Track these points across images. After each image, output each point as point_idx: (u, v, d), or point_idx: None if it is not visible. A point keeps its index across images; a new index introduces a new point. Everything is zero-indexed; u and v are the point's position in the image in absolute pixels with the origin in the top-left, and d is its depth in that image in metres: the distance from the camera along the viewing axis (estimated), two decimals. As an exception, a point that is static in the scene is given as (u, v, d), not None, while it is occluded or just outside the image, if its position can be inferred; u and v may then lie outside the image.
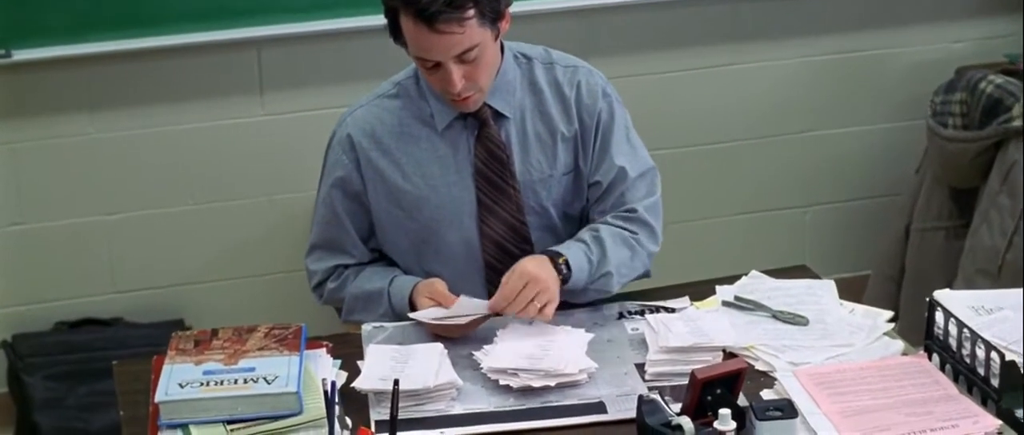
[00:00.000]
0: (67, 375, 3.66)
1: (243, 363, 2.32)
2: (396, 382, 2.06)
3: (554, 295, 2.48)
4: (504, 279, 2.49)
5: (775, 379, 2.39)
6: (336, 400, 2.28)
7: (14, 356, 3.68)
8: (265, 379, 2.27)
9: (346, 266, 2.75)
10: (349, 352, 2.53)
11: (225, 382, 2.27)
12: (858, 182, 4.20)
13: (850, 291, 3.96)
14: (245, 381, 2.27)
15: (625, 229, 2.66)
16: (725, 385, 2.26)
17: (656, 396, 2.27)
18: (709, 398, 2.24)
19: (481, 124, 2.65)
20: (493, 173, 2.66)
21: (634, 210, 2.68)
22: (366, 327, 2.64)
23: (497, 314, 2.50)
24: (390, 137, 2.67)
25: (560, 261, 2.54)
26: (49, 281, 3.76)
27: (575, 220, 2.76)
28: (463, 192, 2.66)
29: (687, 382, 2.26)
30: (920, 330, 2.98)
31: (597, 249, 2.60)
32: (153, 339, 3.72)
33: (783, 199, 4.18)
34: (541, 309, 2.46)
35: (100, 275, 3.78)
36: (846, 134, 4.16)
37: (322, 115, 3.44)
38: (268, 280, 3.87)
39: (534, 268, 2.48)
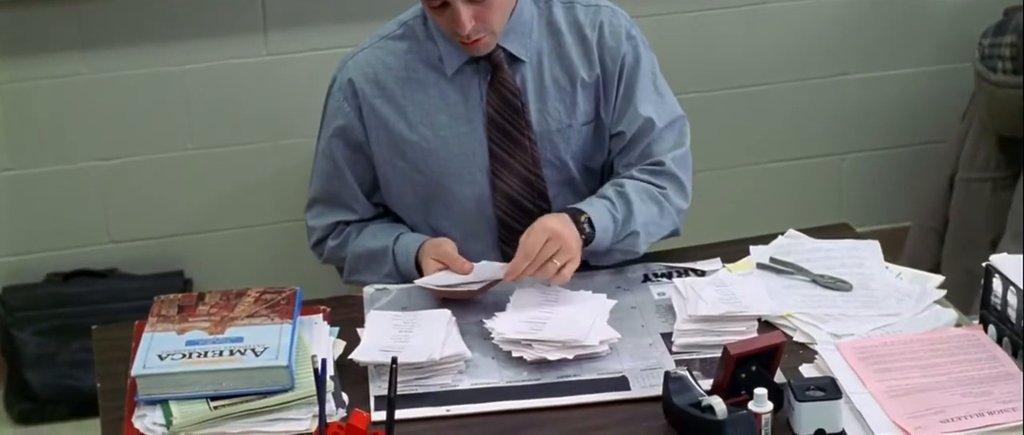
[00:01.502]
0: (59, 330, 3.49)
1: (230, 332, 2.13)
2: (394, 361, 1.84)
3: (576, 255, 2.26)
4: (524, 236, 2.27)
5: (816, 352, 2.17)
6: (331, 374, 2.08)
7: (4, 310, 3.51)
8: (253, 350, 2.07)
9: (348, 222, 2.54)
10: (350, 317, 2.33)
11: (209, 354, 2.07)
12: (899, 128, 3.96)
13: (889, 243, 3.76)
14: (231, 353, 2.07)
15: (652, 184, 2.44)
16: (761, 361, 2.04)
17: (684, 372, 2.05)
18: (743, 376, 2.03)
19: (494, 69, 2.43)
20: (507, 122, 2.43)
21: (661, 163, 2.45)
22: (368, 290, 2.43)
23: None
24: (395, 82, 2.45)
25: (582, 220, 2.32)
26: (40, 231, 3.57)
27: (596, 174, 2.54)
28: (474, 143, 2.44)
29: (719, 357, 2.05)
30: (964, 288, 2.79)
31: (622, 206, 2.38)
32: (150, 292, 3.43)
33: (818, 146, 3.94)
34: (560, 269, 2.24)
35: (94, 224, 3.59)
36: (886, 78, 3.91)
37: (330, 55, 3.22)
38: (272, 229, 3.67)
39: (555, 224, 2.26)
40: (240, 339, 2.10)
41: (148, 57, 3.50)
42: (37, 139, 3.51)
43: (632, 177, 2.44)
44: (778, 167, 3.94)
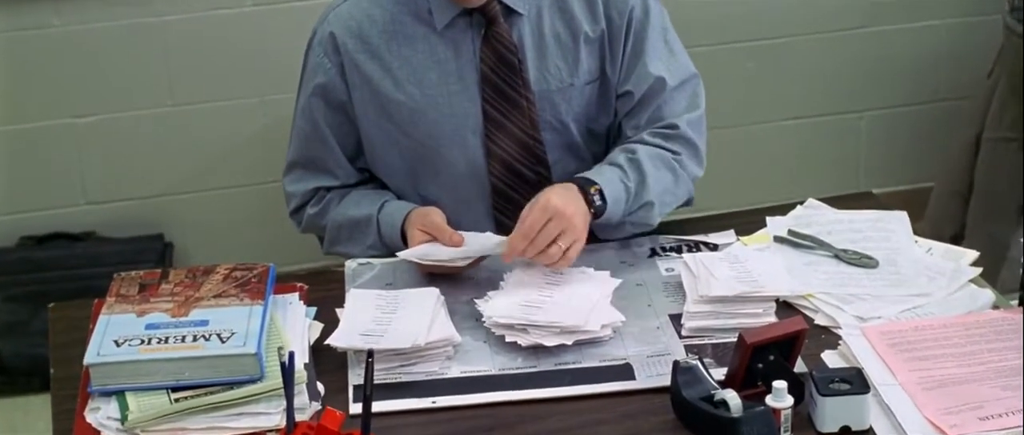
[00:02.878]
0: (32, 296, 3.32)
1: (194, 314, 1.94)
2: (370, 355, 1.65)
3: (581, 235, 2.06)
4: (524, 213, 2.06)
5: (839, 337, 1.97)
6: (305, 361, 1.89)
7: (-27, 275, 3.31)
8: (219, 336, 1.88)
9: (329, 188, 2.35)
10: (330, 294, 2.14)
11: (170, 339, 1.87)
12: (921, 84, 3.75)
13: (910, 206, 3.56)
14: (194, 339, 1.87)
15: (665, 149, 2.23)
16: (780, 349, 1.85)
17: (695, 360, 1.86)
18: (760, 366, 1.84)
19: (488, 22, 2.22)
20: (502, 80, 2.23)
21: (675, 126, 2.25)
22: (350, 264, 2.23)
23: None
24: (380, 37, 2.24)
25: (592, 191, 2.11)
26: (13, 191, 3.39)
27: (600, 137, 2.33)
28: (466, 103, 2.24)
29: (733, 342, 1.87)
30: (988, 255, 2.59)
31: (635, 174, 2.17)
32: (129, 256, 3.38)
33: (836, 103, 3.74)
34: (565, 252, 2.04)
35: (69, 185, 3.41)
36: (909, 30, 3.70)
37: (319, 5, 2.96)
38: (259, 190, 3.48)
39: (560, 200, 2.05)
40: (205, 323, 1.91)
41: (125, 7, 3.30)
42: (8, 95, 3.32)
43: (643, 142, 2.24)
44: (793, 125, 3.74)
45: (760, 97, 3.68)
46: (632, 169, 2.18)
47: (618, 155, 2.21)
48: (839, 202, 2.34)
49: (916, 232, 2.25)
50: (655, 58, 2.25)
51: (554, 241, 2.03)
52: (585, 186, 2.12)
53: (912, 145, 3.79)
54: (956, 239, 3.50)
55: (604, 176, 2.15)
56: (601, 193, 2.12)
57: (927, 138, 3.76)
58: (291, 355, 1.70)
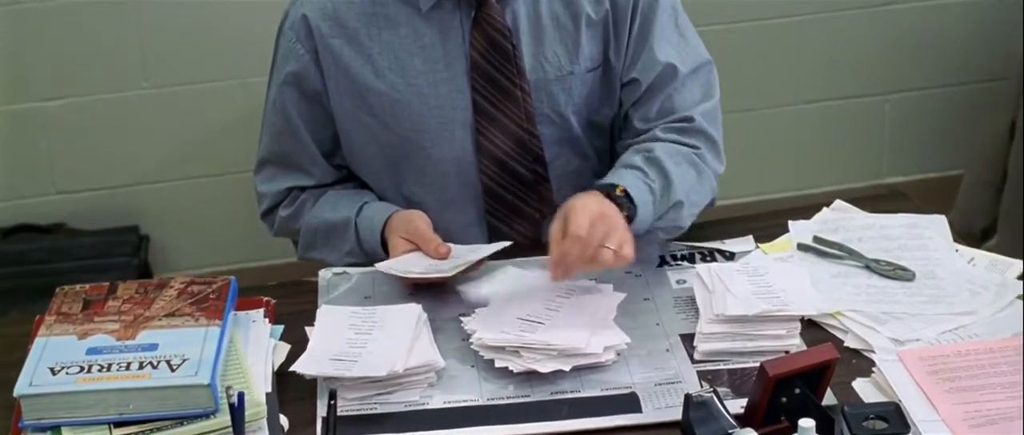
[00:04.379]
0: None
1: (143, 337, 1.71)
2: (332, 397, 1.42)
3: (628, 233, 1.82)
4: (561, 224, 1.79)
5: (872, 362, 1.74)
6: (267, 390, 1.67)
7: (-64, 270, 3.11)
8: (169, 363, 1.65)
9: (303, 188, 2.12)
10: (302, 308, 1.92)
11: (114, 367, 1.65)
12: (950, 65, 3.52)
13: (937, 195, 3.35)
14: (141, 366, 1.65)
15: (683, 143, 2.00)
16: (807, 380, 1.62)
17: (710, 393, 1.63)
18: (784, 400, 1.61)
19: (479, 3, 2.00)
20: (494, 68, 2.00)
21: (690, 119, 2.02)
22: (324, 274, 2.00)
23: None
24: (358, 19, 2.01)
25: (617, 192, 1.88)
26: (-24, 181, 3.19)
27: (603, 131, 2.10)
28: (454, 93, 2.01)
29: (752, 371, 1.66)
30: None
31: (657, 173, 1.94)
32: (102, 249, 3.18)
33: (857, 85, 3.51)
34: (617, 252, 1.79)
35: (38, 173, 3.22)
36: (936, 6, 3.47)
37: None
38: (239, 179, 3.25)
39: (595, 204, 1.82)
40: (154, 347, 1.68)
41: (96, -18, 3.09)
42: (-31, 77, 3.11)
43: (657, 138, 2.01)
44: (810, 110, 3.51)
45: (774, 79, 3.46)
46: (652, 168, 1.95)
47: (633, 156, 1.98)
48: (869, 204, 2.11)
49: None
50: (664, 43, 2.02)
51: (601, 244, 1.78)
52: (609, 190, 1.89)
53: (941, 131, 3.57)
54: (987, 233, 3.28)
55: (623, 178, 1.92)
56: (627, 194, 1.89)
57: (957, 123, 3.55)
58: (240, 396, 1.48)
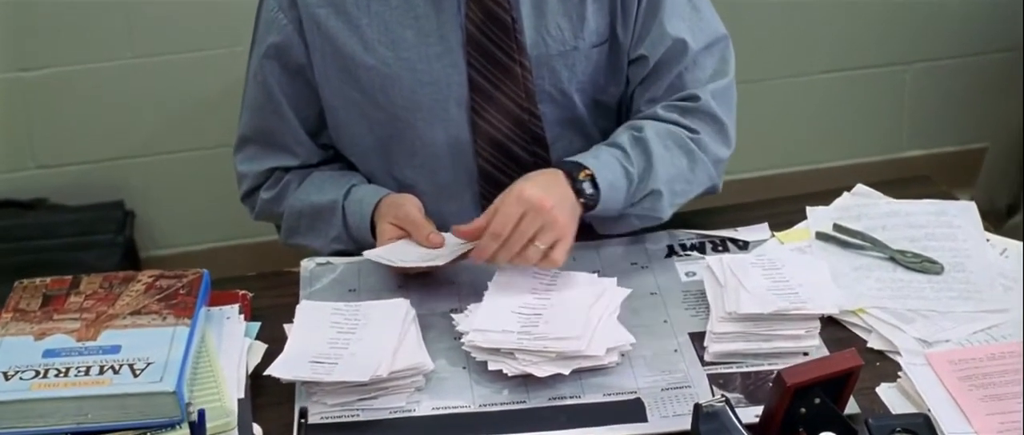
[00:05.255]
0: (-25, 272, 2.95)
1: (105, 337, 1.58)
2: (303, 416, 1.29)
3: (565, 231, 1.69)
4: (493, 206, 1.70)
5: (898, 365, 1.60)
6: (239, 397, 1.54)
7: (-89, 249, 2.98)
8: (132, 367, 1.52)
9: (286, 169, 1.98)
10: (282, 302, 1.79)
11: (72, 371, 1.52)
12: (973, 33, 3.36)
13: (960, 170, 3.21)
14: (101, 371, 1.52)
15: (681, 125, 1.86)
16: (828, 389, 1.48)
17: (721, 403, 1.49)
18: (802, 410, 1.48)
19: (475, -28, 1.84)
20: (492, 42, 1.85)
21: (695, 97, 1.87)
22: (307, 265, 1.87)
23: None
24: (346, -12, 1.86)
25: (581, 177, 1.74)
26: (-47, 154, 3.06)
27: (610, 111, 1.96)
28: (449, 69, 1.86)
29: (767, 374, 1.54)
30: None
31: (640, 157, 1.80)
32: (86, 226, 3.05)
33: (876, 54, 3.35)
34: (547, 252, 1.67)
35: (17, 146, 3.08)
36: (959, -27, 3.32)
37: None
38: (229, 153, 3.03)
39: (537, 190, 1.69)
40: (116, 349, 1.55)
41: (77, -56, 2.95)
42: (-56, 45, 2.98)
43: (656, 117, 1.86)
44: (828, 80, 3.36)
45: (790, 48, 3.30)
46: (637, 151, 1.80)
47: (622, 134, 1.84)
48: (892, 188, 1.96)
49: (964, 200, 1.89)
50: (675, 16, 1.87)
51: (531, 240, 1.67)
52: (573, 171, 1.75)
53: (963, 102, 3.42)
54: (1012, 210, 3.14)
55: (600, 159, 1.78)
56: (592, 180, 1.75)
57: (980, 94, 3.39)
58: (201, 414, 1.34)
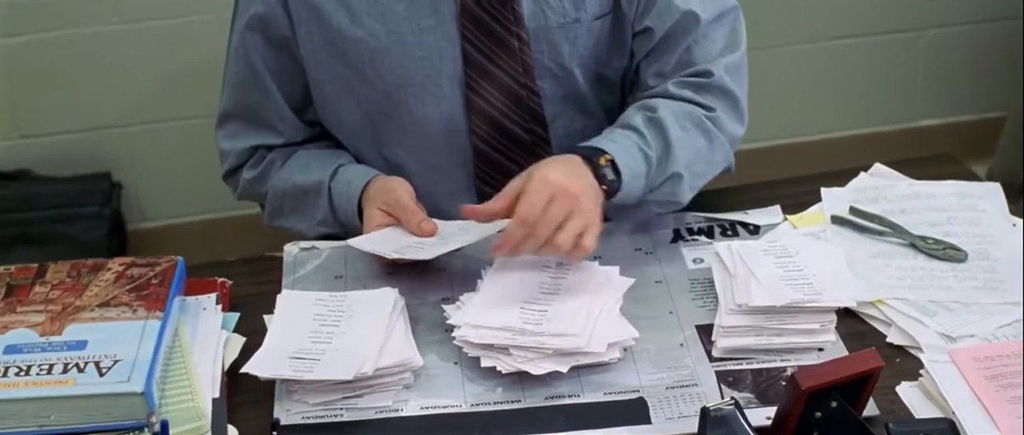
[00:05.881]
0: (-43, 246, 2.86)
1: (71, 332, 1.48)
2: (275, 428, 1.19)
3: (594, 217, 1.57)
4: (512, 188, 1.57)
5: (920, 361, 1.50)
6: (214, 396, 1.44)
7: None
8: (98, 365, 1.42)
9: (270, 147, 1.88)
10: (265, 290, 1.69)
11: (33, 370, 1.42)
12: (991, -2, 3.24)
13: (977, 140, 3.10)
14: (65, 369, 1.42)
15: (695, 103, 1.74)
16: (846, 392, 1.38)
17: (731, 405, 1.38)
18: (818, 414, 1.37)
19: (469, -62, 1.73)
20: (488, 14, 1.74)
21: (708, 73, 1.75)
22: (290, 250, 1.76)
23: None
24: (332, -45, 1.75)
25: (602, 163, 1.62)
26: (-66, 124, 2.96)
27: (613, 86, 1.84)
28: (442, 42, 1.75)
29: (780, 371, 1.46)
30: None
31: (657, 139, 1.69)
32: (71, 198, 2.95)
33: (890, 20, 3.22)
34: (577, 240, 1.55)
35: (0, 116, 2.96)
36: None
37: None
38: (219, 122, 2.98)
39: (561, 175, 1.57)
40: (82, 345, 1.45)
41: (60, -93, 2.83)
42: (-77, 11, 2.86)
43: (668, 95, 1.75)
44: (839, 46, 3.23)
45: (800, 14, 3.18)
46: (653, 132, 1.69)
47: (634, 115, 1.72)
48: (911, 168, 1.85)
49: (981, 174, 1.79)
50: (683, -15, 1.76)
51: (560, 226, 1.55)
52: (592, 156, 1.63)
53: (980, 70, 3.29)
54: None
55: (617, 143, 1.66)
56: (613, 165, 1.63)
57: (998, 62, 3.27)
58: (164, 425, 1.24)
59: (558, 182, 1.55)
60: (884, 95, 3.27)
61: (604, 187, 1.61)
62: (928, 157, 1.92)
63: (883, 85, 3.27)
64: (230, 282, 1.66)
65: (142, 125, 3.02)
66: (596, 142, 1.65)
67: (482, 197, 1.82)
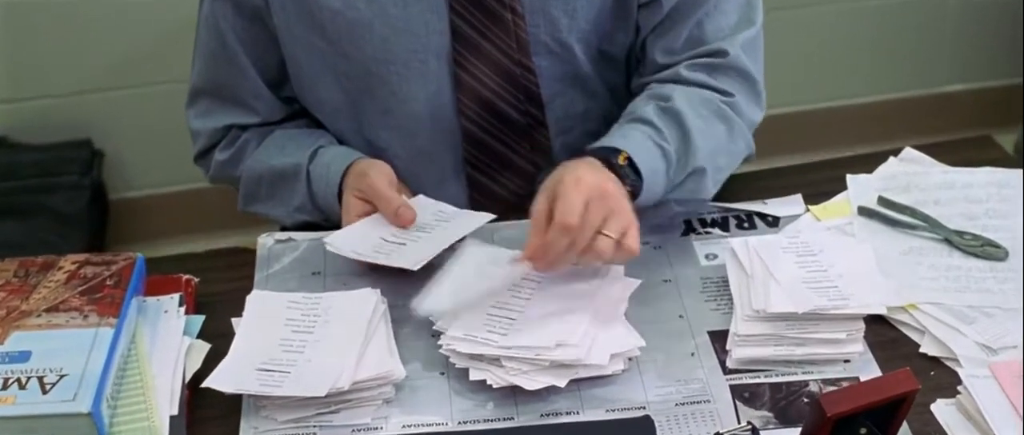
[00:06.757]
0: (-69, 217, 2.73)
1: (13, 341, 1.34)
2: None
3: (632, 216, 1.40)
4: (547, 203, 1.39)
5: (957, 376, 1.35)
6: (172, 413, 1.29)
7: None
8: (42, 380, 1.27)
9: (244, 127, 1.72)
10: (236, 287, 1.54)
11: (-31, 386, 1.27)
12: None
13: (1005, 106, 2.95)
14: (5, 385, 1.27)
15: (711, 87, 1.58)
16: (876, 416, 1.23)
17: (747, 430, 1.24)
18: (845, 442, 1.22)
19: (460, -101, 1.56)
20: (479, -16, 1.58)
21: (723, 52, 1.59)
22: (265, 242, 1.61)
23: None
24: (310, -81, 1.59)
25: (619, 161, 1.46)
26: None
27: (617, 64, 1.68)
28: (428, 14, 1.59)
29: (801, 386, 1.31)
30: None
31: (673, 131, 1.53)
32: (49, 166, 2.82)
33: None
34: (619, 243, 1.38)
35: (-27, 79, 2.83)
36: None
37: None
38: (206, 86, 2.82)
39: (592, 175, 1.40)
40: (26, 356, 1.30)
41: None
42: None
43: (680, 79, 1.58)
44: (863, 8, 3.05)
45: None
46: (669, 124, 1.52)
47: (645, 106, 1.56)
48: (944, 152, 1.69)
49: (1007, 145, 1.63)
50: (694, -48, 1.60)
51: (599, 231, 1.38)
52: (609, 156, 1.47)
53: (1011, 33, 3.10)
54: None
55: (630, 139, 1.50)
56: (630, 162, 1.47)
57: (1030, 24, 3.09)
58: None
59: (592, 182, 1.38)
60: (910, 59, 3.10)
61: (628, 188, 1.45)
62: (963, 140, 1.76)
63: (909, 48, 3.09)
64: (196, 279, 1.51)
65: (125, 89, 2.86)
66: (608, 141, 1.49)
67: (472, 183, 1.67)
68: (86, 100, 2.85)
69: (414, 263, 1.44)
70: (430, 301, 1.39)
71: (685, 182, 1.53)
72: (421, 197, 1.57)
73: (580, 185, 1.36)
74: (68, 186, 2.78)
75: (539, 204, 1.38)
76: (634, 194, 1.45)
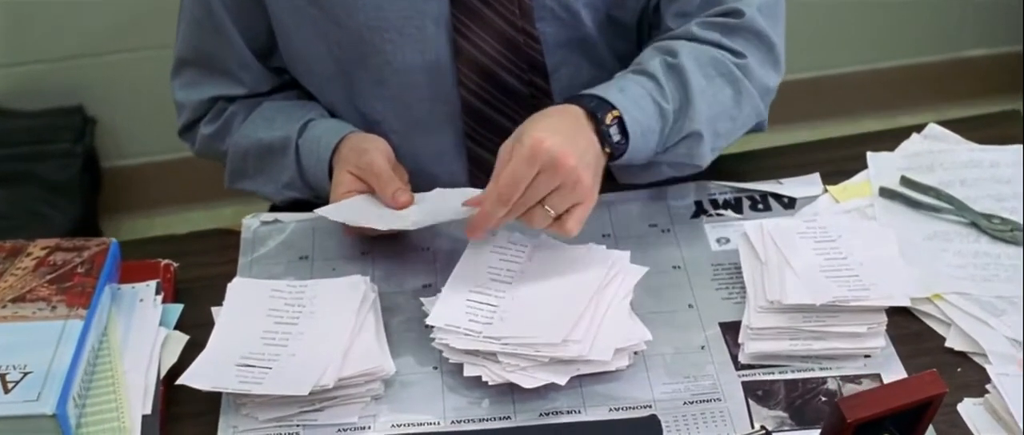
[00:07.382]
0: (-82, 186, 2.64)
1: (-24, 333, 1.24)
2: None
3: (588, 193, 1.32)
4: (502, 155, 1.33)
5: (985, 373, 1.26)
6: (145, 413, 1.21)
7: None
8: (3, 378, 1.19)
9: (231, 98, 1.63)
10: (219, 272, 1.45)
11: (-72, 383, 1.18)
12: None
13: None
14: (-35, 383, 1.18)
15: (723, 47, 1.48)
16: (900, 420, 1.14)
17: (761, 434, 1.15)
18: (867, 448, 1.14)
19: None
20: (478, -53, 1.48)
21: (739, 12, 1.49)
22: (249, 224, 1.53)
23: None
24: None
25: (608, 120, 1.37)
26: None
27: (628, 31, 1.58)
28: (425, -20, 1.49)
29: (819, 384, 1.23)
30: None
31: (675, 90, 1.43)
32: (40, 134, 2.73)
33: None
34: (559, 218, 1.31)
35: (-37, 44, 2.73)
36: None
37: None
38: (201, 50, 2.73)
39: (557, 140, 1.31)
40: (-11, 351, 1.22)
41: None
42: None
43: (691, 37, 1.48)
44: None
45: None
46: (672, 81, 1.43)
47: (652, 59, 1.46)
48: (971, 128, 1.59)
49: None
50: (708, -90, 1.50)
51: (541, 203, 1.31)
52: (597, 110, 1.38)
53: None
54: None
55: (627, 93, 1.40)
56: (620, 123, 1.38)
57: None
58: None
59: (553, 150, 1.29)
60: (928, 22, 2.99)
61: (607, 149, 1.36)
62: (990, 115, 1.66)
63: (926, 10, 2.98)
64: (176, 264, 1.42)
65: (119, 54, 2.76)
66: (603, 92, 1.39)
67: (472, 158, 1.57)
68: (78, 65, 2.76)
69: (413, 223, 1.35)
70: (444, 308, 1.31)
71: (678, 145, 1.43)
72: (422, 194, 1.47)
73: (536, 153, 1.28)
74: (59, 154, 2.70)
75: (503, 151, 1.31)
76: (615, 153, 1.36)
